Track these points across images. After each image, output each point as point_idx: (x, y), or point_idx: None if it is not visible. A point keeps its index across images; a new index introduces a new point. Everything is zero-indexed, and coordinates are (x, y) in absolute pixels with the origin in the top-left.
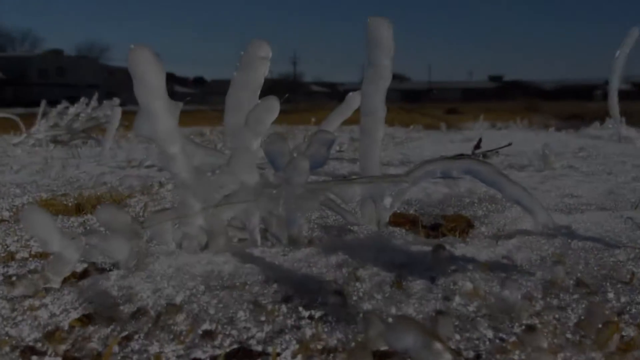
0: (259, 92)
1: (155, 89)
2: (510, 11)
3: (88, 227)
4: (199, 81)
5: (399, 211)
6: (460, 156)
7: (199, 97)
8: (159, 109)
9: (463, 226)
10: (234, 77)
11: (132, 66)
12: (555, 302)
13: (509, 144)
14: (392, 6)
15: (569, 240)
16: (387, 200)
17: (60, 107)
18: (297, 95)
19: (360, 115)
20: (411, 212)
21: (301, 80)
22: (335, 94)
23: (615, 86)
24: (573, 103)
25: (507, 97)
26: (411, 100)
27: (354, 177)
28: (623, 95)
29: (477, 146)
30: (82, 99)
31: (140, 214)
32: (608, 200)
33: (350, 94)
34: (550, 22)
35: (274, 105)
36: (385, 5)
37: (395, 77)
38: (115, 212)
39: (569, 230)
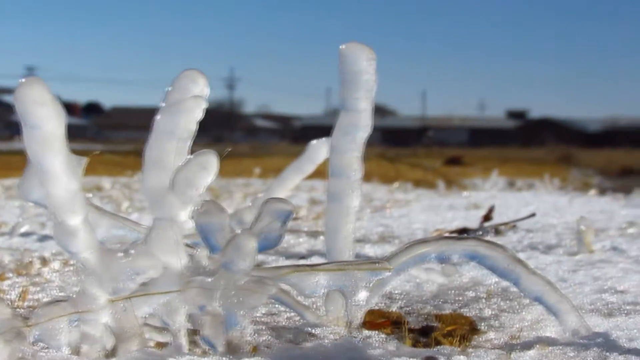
0: (190, 143)
1: (52, 140)
2: (537, 23)
3: None
4: (92, 108)
5: (377, 307)
6: (464, 232)
7: (92, 130)
8: (57, 167)
9: (464, 330)
10: (156, 121)
11: (22, 108)
12: None
13: (532, 215)
14: (371, 10)
15: (607, 354)
16: (362, 294)
17: None
18: (235, 133)
19: (328, 174)
20: (394, 309)
21: (240, 111)
22: (289, 131)
23: None
24: (626, 152)
25: (532, 141)
26: (397, 143)
27: (316, 262)
28: None
29: (488, 217)
30: None
31: (17, 303)
32: None
33: (314, 142)
34: (595, 38)
35: (210, 162)
36: (362, 6)
37: (375, 109)
38: None
39: (606, 340)
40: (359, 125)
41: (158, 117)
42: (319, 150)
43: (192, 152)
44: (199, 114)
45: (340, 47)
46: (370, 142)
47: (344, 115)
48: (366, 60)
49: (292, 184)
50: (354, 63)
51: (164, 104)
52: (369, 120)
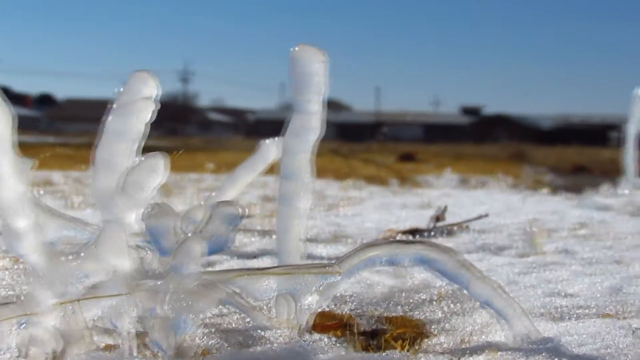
0: (140, 145)
1: None
2: (490, 19)
3: None
4: (44, 100)
5: (328, 309)
6: (416, 232)
7: (44, 122)
8: (4, 169)
9: (414, 333)
10: (106, 123)
11: None
12: None
13: (484, 216)
14: (326, 5)
15: (556, 359)
16: (312, 298)
17: None
18: (189, 126)
19: (279, 176)
20: (345, 311)
21: (194, 105)
22: (243, 125)
23: (631, 135)
24: (579, 149)
25: (486, 137)
26: (351, 139)
27: (267, 262)
28: None
29: (440, 217)
30: None
31: None
32: (612, 303)
33: (266, 142)
34: (548, 35)
35: (160, 164)
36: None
37: (330, 104)
38: None
39: (556, 345)
40: (310, 128)
41: (109, 118)
42: (270, 149)
43: (145, 145)
44: (149, 116)
45: (292, 49)
46: (324, 138)
47: (295, 117)
48: (317, 63)
49: (244, 183)
50: (305, 65)
51: (114, 105)
52: (320, 122)
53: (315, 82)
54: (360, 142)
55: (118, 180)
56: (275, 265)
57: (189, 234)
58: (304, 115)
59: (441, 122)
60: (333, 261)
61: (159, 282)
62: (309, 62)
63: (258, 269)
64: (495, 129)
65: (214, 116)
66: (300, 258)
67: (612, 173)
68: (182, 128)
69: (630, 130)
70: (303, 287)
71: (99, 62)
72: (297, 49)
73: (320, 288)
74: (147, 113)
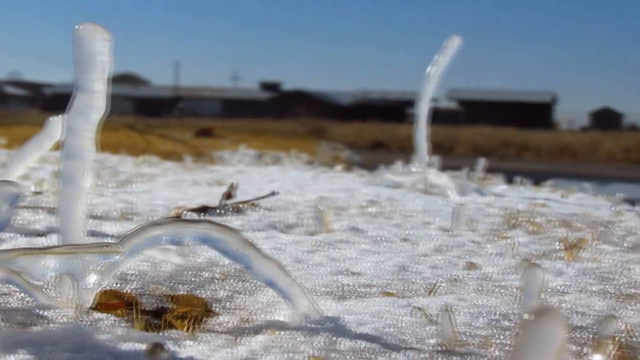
0: None
1: None
2: None
3: None
4: None
5: (111, 288)
6: (204, 210)
7: None
8: None
9: (197, 312)
10: None
11: None
12: None
13: (273, 193)
14: None
15: (335, 338)
16: (92, 277)
17: None
18: None
19: (61, 155)
20: (128, 290)
21: None
22: (40, 99)
23: (423, 113)
24: (378, 125)
25: (285, 113)
26: (149, 113)
27: (53, 240)
28: (446, 116)
29: (229, 195)
30: None
31: None
32: (396, 281)
33: (52, 119)
34: (347, 10)
35: None
36: None
37: (127, 78)
38: None
39: (337, 324)
40: (93, 107)
41: None
42: (57, 127)
43: None
44: None
45: (75, 27)
46: (121, 113)
47: (78, 96)
48: (101, 41)
49: (31, 160)
50: (89, 44)
51: None
52: (103, 101)
53: (99, 61)
54: (158, 117)
55: None
56: (57, 244)
57: None
58: (87, 94)
59: (240, 98)
60: (116, 240)
61: None
62: (91, 40)
63: (37, 249)
64: (294, 105)
65: (10, 90)
66: (82, 237)
67: (409, 149)
68: None
69: (422, 108)
70: (83, 267)
71: None
72: (79, 27)
73: (101, 267)
74: None
